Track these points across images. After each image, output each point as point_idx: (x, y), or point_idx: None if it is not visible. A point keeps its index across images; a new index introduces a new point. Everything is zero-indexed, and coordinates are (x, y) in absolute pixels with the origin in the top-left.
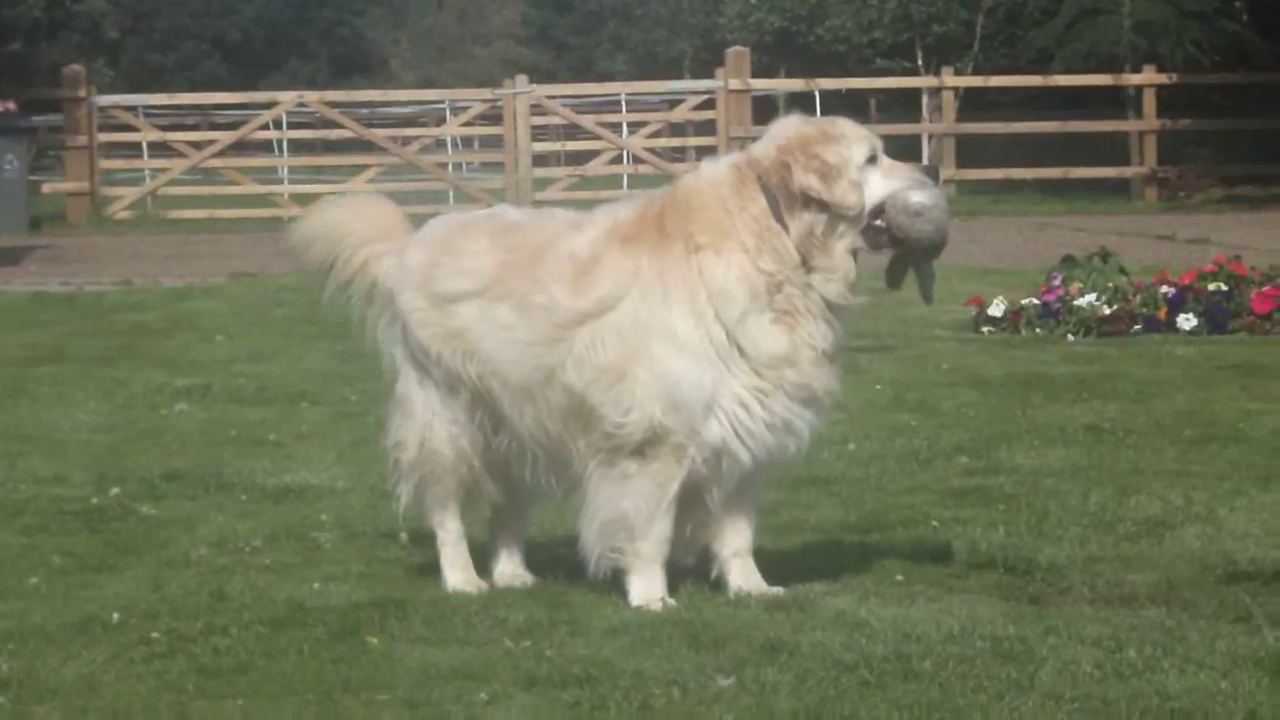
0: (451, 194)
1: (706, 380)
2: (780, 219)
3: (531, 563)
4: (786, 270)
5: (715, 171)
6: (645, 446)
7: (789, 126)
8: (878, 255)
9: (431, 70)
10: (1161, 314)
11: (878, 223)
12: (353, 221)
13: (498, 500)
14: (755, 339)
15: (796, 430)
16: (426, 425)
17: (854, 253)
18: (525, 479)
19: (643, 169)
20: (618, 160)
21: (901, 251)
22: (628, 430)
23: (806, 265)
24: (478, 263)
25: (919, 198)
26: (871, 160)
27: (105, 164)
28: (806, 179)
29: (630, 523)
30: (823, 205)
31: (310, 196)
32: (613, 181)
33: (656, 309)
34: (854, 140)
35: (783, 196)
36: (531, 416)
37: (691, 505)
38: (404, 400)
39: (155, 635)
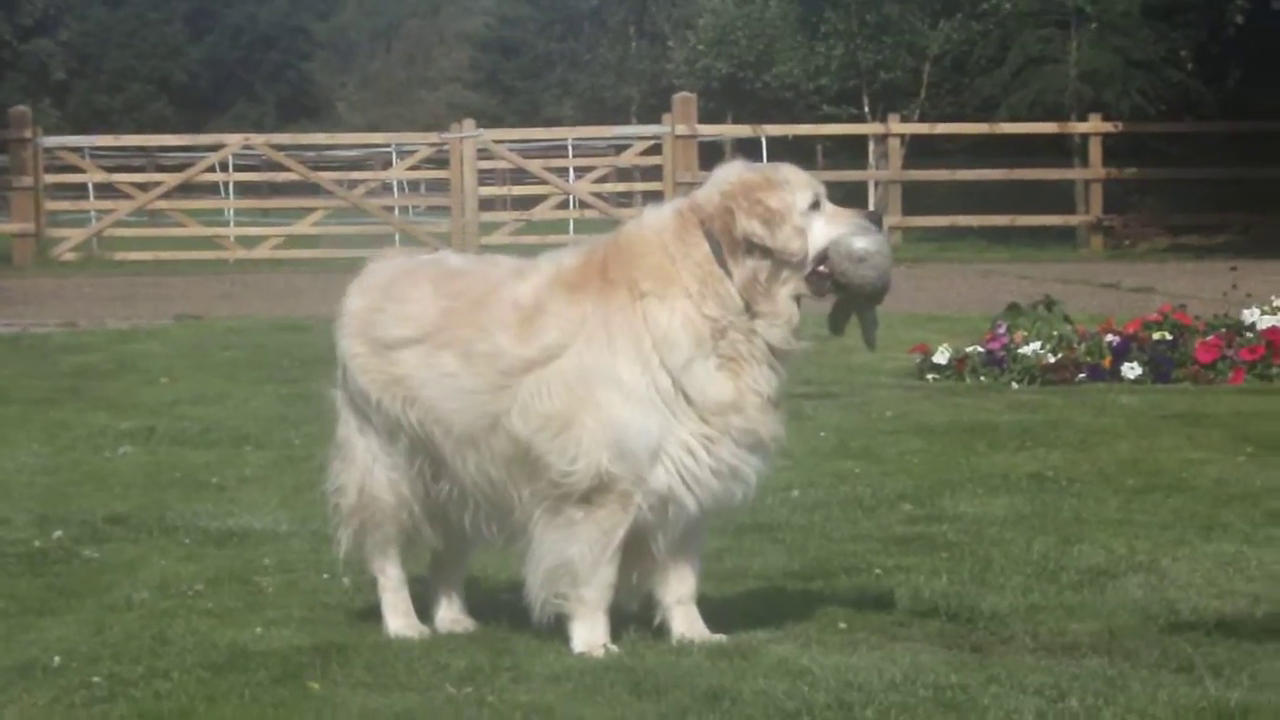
0: (397, 237)
1: (653, 427)
2: (724, 264)
3: (473, 608)
4: (730, 316)
5: (658, 218)
6: (592, 494)
7: (732, 172)
8: (821, 301)
9: (378, 114)
10: (1106, 363)
11: (821, 269)
12: None
13: (437, 546)
14: (701, 386)
15: (743, 476)
16: (366, 471)
17: (797, 298)
18: (465, 526)
19: (589, 214)
20: (564, 205)
21: (844, 297)
22: (574, 478)
23: (750, 311)
24: (420, 309)
25: (862, 244)
26: (815, 206)
27: (51, 205)
28: (750, 225)
29: (575, 569)
30: (766, 251)
31: (256, 239)
32: (559, 226)
33: (602, 356)
34: (797, 186)
35: (726, 242)
36: (474, 464)
37: (637, 551)
38: (344, 445)
39: (96, 679)
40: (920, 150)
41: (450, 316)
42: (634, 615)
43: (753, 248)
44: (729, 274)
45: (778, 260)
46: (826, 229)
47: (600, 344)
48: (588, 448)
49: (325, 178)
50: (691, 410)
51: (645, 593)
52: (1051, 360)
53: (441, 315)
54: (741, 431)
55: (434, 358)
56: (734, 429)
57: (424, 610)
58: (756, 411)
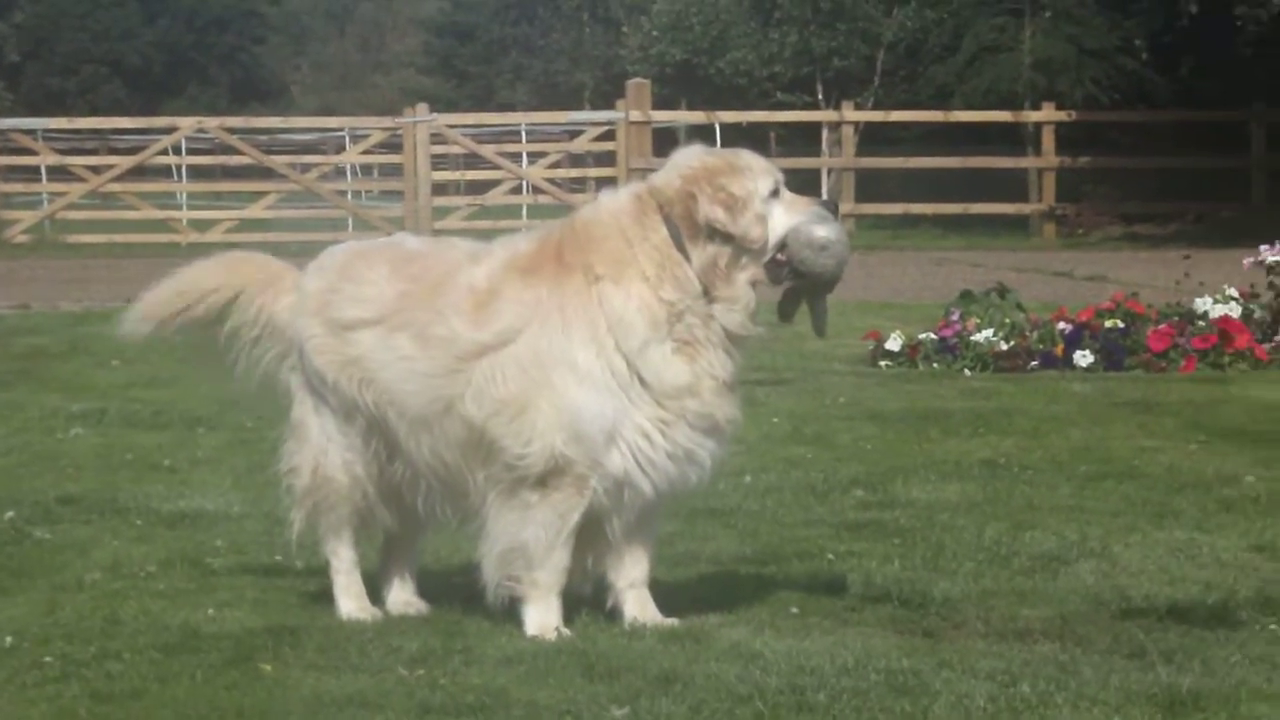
0: (350, 221)
1: (608, 410)
2: (682, 249)
3: (426, 591)
4: (688, 300)
5: (615, 202)
6: (547, 477)
7: (693, 156)
8: (771, 288)
9: (332, 97)
10: (1058, 350)
11: (779, 256)
12: (242, 269)
13: (391, 528)
14: (657, 369)
15: (699, 460)
16: (321, 451)
17: (754, 284)
18: (419, 508)
19: (542, 199)
20: (517, 190)
21: (798, 285)
22: (529, 461)
23: (708, 296)
24: (376, 291)
25: (823, 232)
26: (774, 194)
27: (3, 188)
28: (713, 211)
29: (529, 552)
30: (727, 237)
31: (209, 223)
32: (512, 211)
33: (556, 340)
34: (759, 173)
35: (686, 227)
36: (428, 447)
37: (591, 535)
38: (299, 426)
39: (48, 659)
40: (874, 138)
41: (406, 299)
42: (587, 599)
43: (714, 233)
44: (687, 258)
45: (738, 247)
46: (786, 216)
47: (555, 327)
48: (542, 431)
49: (278, 161)
50: (647, 394)
51: (598, 576)
52: (1004, 348)
53: (398, 298)
54: (697, 415)
55: (390, 340)
56: (689, 413)
57: (376, 593)
58: (712, 395)
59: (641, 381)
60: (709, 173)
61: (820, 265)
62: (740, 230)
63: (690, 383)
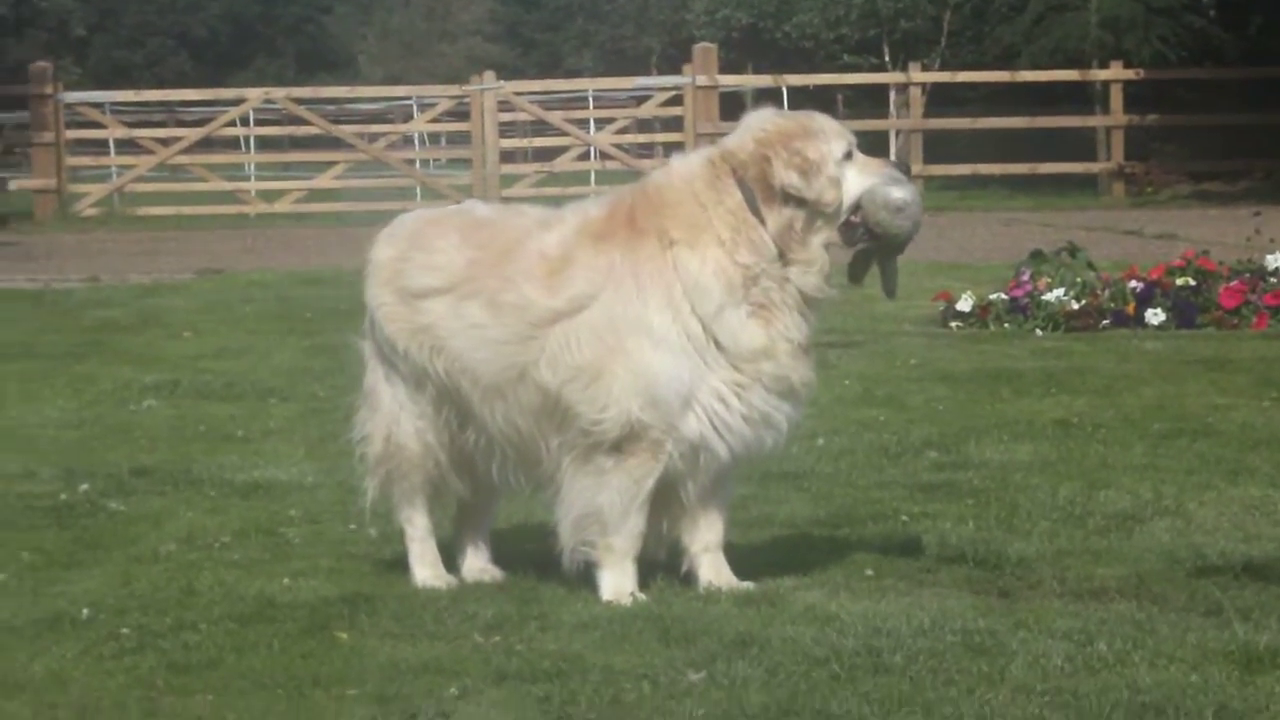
0: (419, 190)
1: (684, 375)
2: (757, 212)
3: (500, 557)
4: (764, 263)
5: (687, 166)
6: (623, 443)
7: (765, 120)
8: (845, 250)
9: (398, 67)
10: (1130, 309)
11: (853, 218)
12: None
13: (464, 495)
14: (733, 333)
15: (775, 423)
16: (393, 420)
17: (828, 246)
18: (493, 475)
19: (610, 165)
20: (585, 156)
21: (870, 247)
22: (605, 427)
23: (783, 258)
24: (447, 259)
25: (899, 194)
26: (848, 156)
27: (72, 161)
28: (788, 175)
29: (604, 518)
30: (802, 201)
31: (277, 193)
32: (580, 178)
33: (631, 305)
34: (832, 136)
35: (761, 190)
36: (502, 414)
37: (666, 500)
38: (371, 394)
39: (125, 631)
40: (941, 99)
41: (477, 267)
42: (661, 563)
43: (789, 197)
44: (762, 222)
45: (813, 210)
46: (860, 179)
47: (629, 292)
48: (618, 396)
49: (346, 131)
50: (723, 357)
51: (673, 541)
52: (1075, 307)
53: (468, 265)
54: (773, 378)
55: (461, 307)
56: (765, 376)
57: (451, 560)
58: (788, 358)
59: (717, 345)
60: (783, 136)
61: (896, 226)
62: (815, 194)
63: (766, 346)
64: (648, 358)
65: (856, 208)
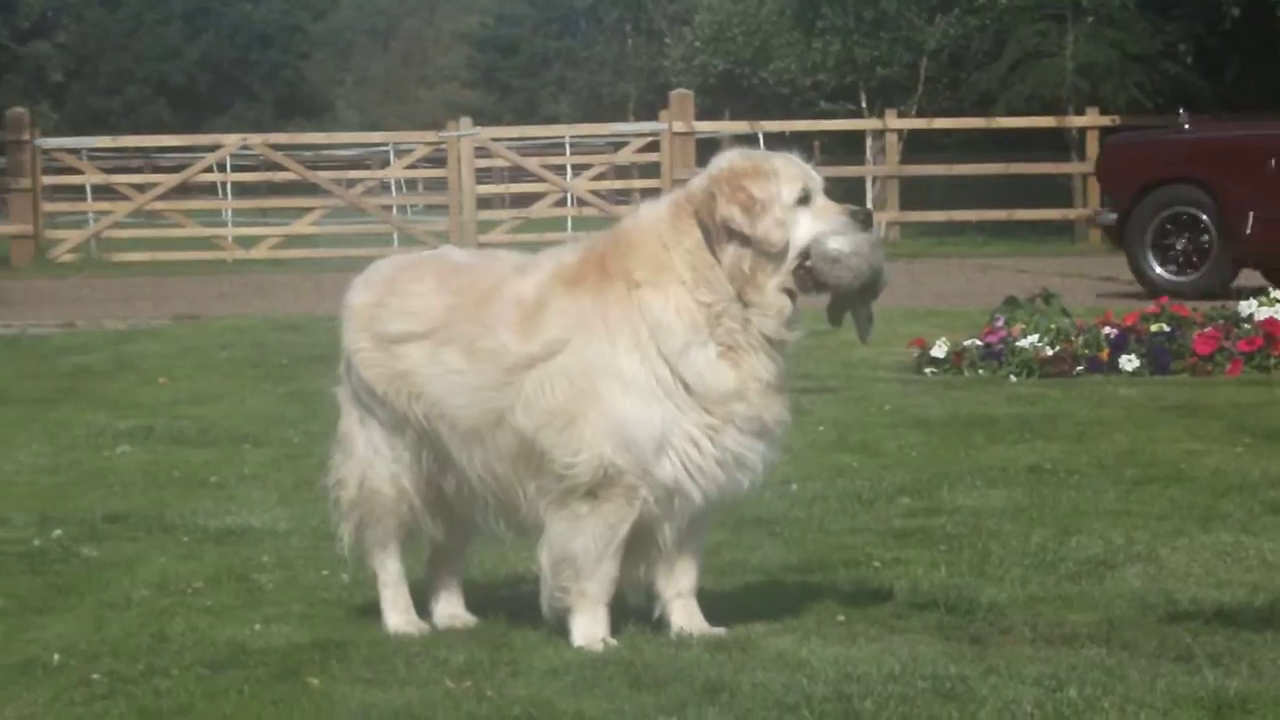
0: (395, 236)
1: (655, 418)
2: (713, 251)
3: (471, 603)
4: (724, 302)
5: (653, 210)
6: (597, 488)
7: (724, 159)
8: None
9: (376, 113)
10: (1104, 355)
11: (807, 263)
12: None
13: (438, 539)
14: (700, 373)
15: (749, 464)
16: (368, 464)
17: (787, 291)
18: (472, 520)
19: (587, 211)
20: (562, 203)
21: (833, 294)
22: (578, 470)
23: (741, 300)
24: (424, 304)
25: (835, 244)
26: (804, 200)
27: (49, 207)
28: (729, 210)
29: (578, 563)
30: (746, 240)
31: (254, 239)
32: (557, 224)
33: (602, 349)
34: (786, 178)
35: (710, 228)
36: (480, 459)
37: (643, 544)
38: (345, 439)
39: (96, 677)
40: (917, 145)
41: (454, 313)
42: (636, 609)
43: (733, 234)
44: (719, 261)
45: (759, 250)
46: (810, 225)
47: (599, 336)
48: (590, 440)
49: (323, 177)
50: (693, 400)
51: (648, 585)
52: (1049, 353)
53: (446, 311)
54: (745, 419)
55: (439, 353)
56: (738, 417)
57: (423, 606)
58: (759, 398)
59: (686, 387)
60: (734, 174)
61: (835, 277)
62: (756, 232)
63: (736, 387)
64: (618, 401)
65: (807, 254)
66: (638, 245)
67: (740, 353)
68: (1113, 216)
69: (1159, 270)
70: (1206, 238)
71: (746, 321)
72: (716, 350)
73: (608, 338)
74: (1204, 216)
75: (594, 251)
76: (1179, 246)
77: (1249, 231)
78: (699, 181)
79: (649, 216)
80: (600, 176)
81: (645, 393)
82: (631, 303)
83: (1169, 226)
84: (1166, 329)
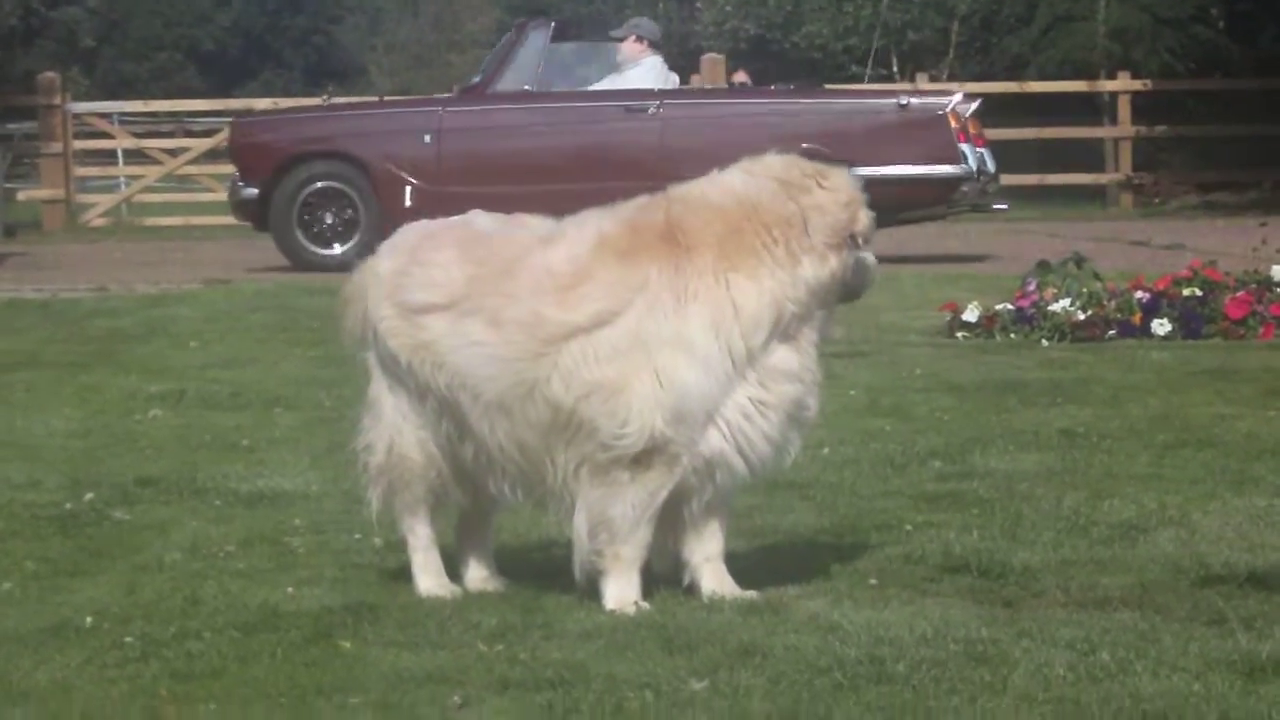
0: None
1: (714, 392)
2: (814, 251)
3: (503, 567)
4: (809, 301)
5: (746, 187)
6: (642, 456)
7: (838, 171)
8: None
9: (407, 77)
10: (1136, 319)
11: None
12: None
13: (466, 505)
14: (769, 353)
15: (788, 445)
16: (396, 430)
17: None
18: (490, 489)
19: None
20: None
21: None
22: (627, 441)
23: (816, 295)
24: (445, 275)
25: (873, 261)
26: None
27: (80, 171)
28: (866, 225)
29: (615, 527)
30: (854, 252)
31: None
32: None
33: (669, 321)
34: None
35: (825, 233)
36: (504, 431)
37: (672, 515)
38: (374, 404)
39: (128, 639)
40: None
41: (476, 284)
42: (662, 576)
43: (842, 245)
44: (821, 261)
45: (856, 265)
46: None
47: (667, 308)
48: (639, 410)
49: None
50: (753, 375)
51: (675, 554)
52: (1081, 317)
53: (467, 283)
54: (793, 403)
55: (461, 325)
56: (788, 399)
57: (454, 570)
58: (810, 385)
59: (752, 366)
60: (855, 190)
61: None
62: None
63: (797, 370)
64: (682, 374)
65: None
66: (730, 225)
67: (801, 343)
68: (253, 192)
69: (309, 245)
70: (351, 211)
71: (813, 318)
72: (785, 337)
73: (678, 311)
74: (351, 190)
75: (651, 220)
76: (327, 221)
77: (408, 203)
78: (795, 175)
79: (739, 193)
80: None
81: (710, 367)
82: (718, 285)
83: (313, 201)
84: (1199, 293)
